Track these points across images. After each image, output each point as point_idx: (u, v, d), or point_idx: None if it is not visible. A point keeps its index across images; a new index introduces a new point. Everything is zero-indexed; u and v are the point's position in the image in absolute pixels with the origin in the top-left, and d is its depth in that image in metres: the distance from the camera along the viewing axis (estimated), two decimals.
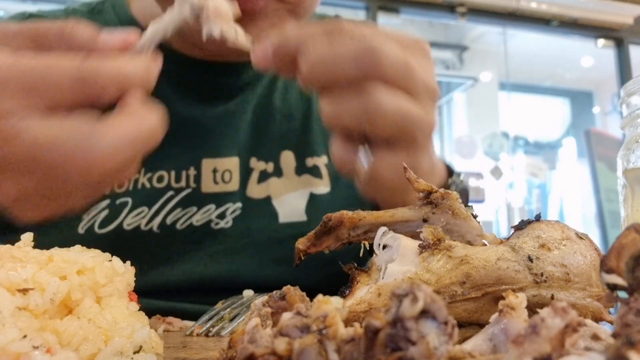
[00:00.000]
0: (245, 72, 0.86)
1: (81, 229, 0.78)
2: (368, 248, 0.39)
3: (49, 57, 0.50)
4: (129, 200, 0.79)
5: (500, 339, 0.25)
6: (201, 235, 0.81)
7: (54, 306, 0.35)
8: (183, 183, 0.81)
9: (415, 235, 0.37)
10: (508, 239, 0.37)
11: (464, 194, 0.78)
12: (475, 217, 0.38)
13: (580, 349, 0.22)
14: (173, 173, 0.81)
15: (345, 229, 0.38)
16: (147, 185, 0.80)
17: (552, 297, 0.33)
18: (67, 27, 0.54)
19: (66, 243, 0.81)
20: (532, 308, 0.29)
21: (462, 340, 0.27)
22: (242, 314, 0.58)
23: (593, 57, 5.62)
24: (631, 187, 0.51)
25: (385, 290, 0.33)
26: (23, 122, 0.47)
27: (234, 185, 0.83)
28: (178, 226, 0.80)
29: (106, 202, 0.79)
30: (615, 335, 0.23)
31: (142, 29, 0.71)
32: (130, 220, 0.79)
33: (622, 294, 0.24)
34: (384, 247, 0.36)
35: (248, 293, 0.66)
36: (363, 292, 0.34)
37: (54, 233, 0.76)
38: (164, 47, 0.83)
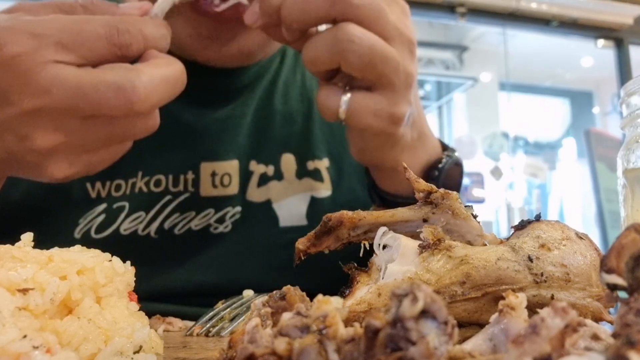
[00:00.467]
0: (244, 75, 0.85)
1: (77, 234, 0.77)
2: (368, 248, 0.39)
3: (83, 15, 0.56)
4: (126, 204, 0.78)
5: (500, 339, 0.25)
6: (200, 241, 0.80)
7: (54, 306, 0.35)
8: (181, 187, 0.80)
9: (415, 235, 0.36)
10: (508, 239, 0.37)
11: (459, 167, 0.78)
12: (475, 217, 0.38)
13: (580, 349, 0.22)
14: (171, 177, 0.80)
15: (345, 229, 0.38)
16: (145, 189, 0.79)
17: (552, 297, 0.33)
18: (88, 1, 0.59)
19: (61, 246, 0.80)
20: (532, 308, 0.29)
21: (462, 340, 0.27)
22: (242, 314, 0.58)
23: (593, 57, 5.62)
24: (631, 187, 0.51)
25: (385, 290, 0.33)
26: (64, 70, 0.51)
27: (233, 189, 0.82)
28: (176, 231, 0.79)
29: (103, 206, 0.78)
30: (615, 335, 0.23)
31: None
32: (127, 225, 0.78)
33: (622, 294, 0.24)
34: (384, 247, 0.36)
35: (248, 293, 0.66)
36: (363, 292, 0.34)
37: (50, 237, 0.76)
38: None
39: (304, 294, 0.31)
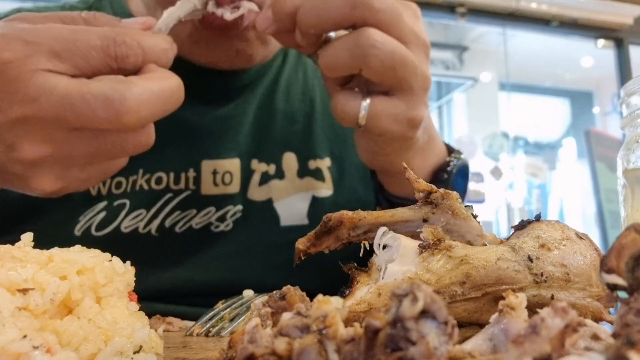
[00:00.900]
0: (246, 74, 0.85)
1: (78, 231, 0.77)
2: (368, 248, 0.39)
3: (81, 26, 0.55)
4: (127, 202, 0.78)
5: (500, 339, 0.25)
6: (201, 239, 0.80)
7: (54, 306, 0.35)
8: (182, 185, 0.80)
9: (415, 235, 0.36)
10: (508, 239, 0.37)
11: (465, 169, 0.79)
12: (475, 217, 0.38)
13: (580, 349, 0.22)
14: (172, 175, 0.80)
15: (345, 229, 0.38)
16: (145, 187, 0.79)
17: (552, 297, 0.33)
18: (91, 14, 0.57)
19: (62, 245, 0.80)
20: (532, 308, 0.29)
21: (462, 340, 0.27)
22: (242, 314, 0.58)
23: (593, 57, 5.62)
24: (631, 187, 0.51)
25: (385, 290, 0.33)
26: (53, 79, 0.50)
27: (234, 188, 0.82)
28: (177, 229, 0.79)
29: (103, 203, 0.78)
30: (615, 335, 0.23)
31: None
32: (128, 222, 0.78)
33: (622, 294, 0.24)
34: (384, 247, 0.36)
35: (248, 293, 0.66)
36: (363, 292, 0.34)
37: (50, 235, 0.76)
38: None
39: (304, 294, 0.31)
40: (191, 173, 0.81)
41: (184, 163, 0.81)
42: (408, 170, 0.38)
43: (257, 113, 0.86)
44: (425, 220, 0.37)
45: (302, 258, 0.40)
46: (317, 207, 0.85)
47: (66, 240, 0.75)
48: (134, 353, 0.38)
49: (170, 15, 0.61)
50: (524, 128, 6.17)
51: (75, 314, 0.37)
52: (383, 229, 0.36)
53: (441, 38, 5.34)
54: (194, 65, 0.81)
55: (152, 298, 0.76)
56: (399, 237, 0.35)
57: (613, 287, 0.23)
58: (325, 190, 0.86)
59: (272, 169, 0.84)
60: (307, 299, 0.31)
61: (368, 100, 0.59)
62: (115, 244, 0.77)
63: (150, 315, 0.56)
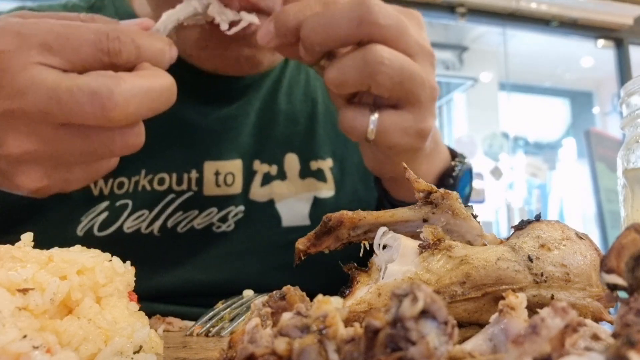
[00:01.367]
0: (249, 75, 0.85)
1: (80, 231, 0.77)
2: (368, 248, 0.39)
3: (75, 22, 0.53)
4: (129, 202, 0.78)
5: (500, 339, 0.25)
6: (202, 239, 0.80)
7: (54, 306, 0.35)
8: (185, 186, 0.80)
9: (415, 235, 0.36)
10: (508, 239, 0.37)
11: (469, 173, 0.79)
12: (475, 217, 0.38)
13: (580, 349, 0.22)
14: (175, 176, 0.80)
15: (345, 229, 0.38)
16: (148, 187, 0.79)
17: (552, 297, 0.33)
18: (89, 16, 0.57)
19: (64, 245, 0.80)
20: (532, 308, 0.29)
21: (462, 340, 0.27)
22: (242, 314, 0.58)
23: (593, 57, 5.62)
24: (631, 187, 0.51)
25: (385, 290, 0.33)
26: (43, 72, 0.49)
27: (236, 188, 0.82)
28: (179, 230, 0.79)
29: (105, 203, 0.78)
30: (615, 335, 0.23)
31: None
32: (131, 223, 0.78)
33: (622, 294, 0.24)
34: (384, 247, 0.36)
35: (248, 293, 0.66)
36: (363, 292, 0.34)
37: (52, 234, 0.76)
38: None
39: (304, 294, 0.31)
40: (193, 174, 0.81)
41: (186, 164, 0.81)
42: (408, 171, 0.38)
43: (259, 114, 0.86)
44: (425, 220, 0.37)
45: (302, 258, 0.40)
46: (319, 207, 0.85)
47: (68, 241, 0.75)
48: (134, 353, 0.38)
49: (169, 17, 0.60)
50: (524, 128, 6.17)
51: (75, 314, 0.37)
52: (383, 229, 0.36)
53: (441, 38, 5.34)
54: (198, 68, 0.81)
55: (154, 298, 0.76)
56: (399, 237, 0.35)
57: (613, 287, 0.23)
58: (327, 191, 0.86)
59: (274, 169, 0.84)
60: (307, 299, 0.31)
61: (376, 115, 0.58)
62: (117, 244, 0.77)
63: (150, 315, 0.56)
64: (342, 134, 0.90)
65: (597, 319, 0.34)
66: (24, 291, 0.34)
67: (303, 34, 0.56)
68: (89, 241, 0.77)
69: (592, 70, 5.90)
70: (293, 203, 0.84)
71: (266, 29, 0.59)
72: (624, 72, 4.65)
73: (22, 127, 0.50)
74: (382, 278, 0.34)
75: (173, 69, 0.82)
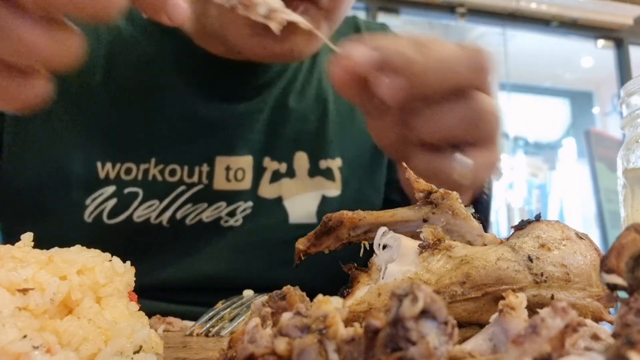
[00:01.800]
0: (265, 72, 0.86)
1: (88, 217, 0.77)
2: (368, 248, 0.39)
3: None
4: (140, 191, 0.79)
5: (500, 339, 0.25)
6: (210, 232, 0.81)
7: (54, 306, 0.35)
8: (195, 179, 0.81)
9: (415, 235, 0.36)
10: (508, 239, 0.37)
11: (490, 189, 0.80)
12: (475, 217, 0.38)
13: (580, 349, 0.22)
14: (186, 168, 0.81)
15: (345, 229, 0.38)
16: (159, 177, 0.80)
17: (552, 297, 0.33)
18: None
19: (74, 231, 0.80)
20: (532, 308, 0.29)
21: (462, 340, 0.27)
22: (242, 314, 0.58)
23: (593, 57, 5.62)
24: (631, 187, 0.51)
25: (385, 290, 0.33)
26: None
27: (246, 184, 0.83)
28: (187, 222, 0.81)
29: (112, 188, 0.78)
30: (615, 335, 0.23)
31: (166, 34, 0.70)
32: (141, 212, 0.79)
33: (622, 294, 0.24)
34: (384, 247, 0.36)
35: (248, 293, 0.66)
36: (363, 292, 0.34)
37: (59, 220, 0.76)
38: (185, 43, 0.83)
39: (304, 294, 0.31)
40: (205, 167, 0.82)
41: (198, 157, 0.82)
42: (408, 171, 0.38)
43: (271, 112, 0.87)
44: (425, 220, 0.37)
45: (302, 258, 0.40)
46: (326, 206, 0.86)
47: (77, 227, 0.76)
48: (134, 353, 0.38)
49: None
50: (524, 128, 6.16)
51: (75, 314, 0.37)
52: (383, 229, 0.36)
53: (441, 38, 5.33)
54: (216, 58, 0.82)
55: (160, 290, 0.76)
56: (399, 237, 0.35)
57: (613, 287, 0.23)
58: (334, 190, 0.87)
59: (283, 167, 0.85)
60: (307, 299, 0.31)
61: (461, 156, 0.56)
62: (126, 233, 0.78)
63: (152, 312, 0.56)
64: (351, 135, 0.91)
65: (597, 319, 0.34)
66: (24, 291, 0.34)
67: (412, 73, 0.51)
68: (99, 229, 0.77)
69: (592, 70, 5.89)
70: (301, 201, 0.85)
71: (367, 53, 0.52)
72: (624, 72, 4.66)
73: None
74: (382, 278, 0.34)
75: (190, 64, 0.82)
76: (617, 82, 4.77)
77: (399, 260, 0.34)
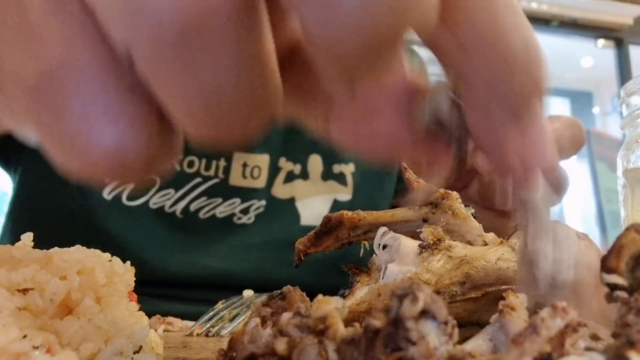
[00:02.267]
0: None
1: (108, 195, 0.78)
2: (368, 248, 0.39)
3: None
4: (157, 178, 0.79)
5: (500, 339, 0.25)
6: (222, 229, 0.82)
7: (54, 306, 0.35)
8: (212, 172, 0.82)
9: (415, 235, 0.36)
10: (508, 239, 0.37)
11: None
12: (475, 217, 0.38)
13: (580, 349, 0.22)
14: (204, 161, 0.82)
15: (345, 229, 0.38)
16: (177, 167, 0.81)
17: None
18: None
19: (92, 204, 0.80)
20: (533, 308, 0.29)
21: (462, 340, 0.27)
22: (242, 314, 0.58)
23: (593, 57, 5.61)
24: (631, 187, 0.51)
25: (385, 290, 0.33)
26: None
27: (261, 182, 0.84)
28: (201, 215, 0.81)
29: None
30: (615, 335, 0.23)
31: None
32: (157, 199, 0.80)
33: (622, 294, 0.24)
34: (384, 247, 0.36)
35: (248, 293, 0.66)
36: (363, 292, 0.34)
37: (78, 191, 0.77)
38: None
39: (304, 294, 0.31)
40: (222, 162, 0.83)
41: (216, 151, 0.82)
42: (408, 171, 0.38)
43: None
44: (425, 220, 0.37)
45: (302, 258, 0.40)
46: (337, 209, 0.86)
47: (96, 204, 0.76)
48: (134, 353, 0.38)
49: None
50: None
51: (75, 314, 0.37)
52: (383, 229, 0.36)
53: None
54: None
55: (168, 283, 0.77)
56: (399, 237, 0.35)
57: (613, 287, 0.23)
58: (346, 194, 0.88)
59: (297, 168, 0.87)
60: (307, 299, 0.31)
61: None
62: (141, 217, 0.79)
63: (151, 313, 0.56)
64: None
65: None
66: (24, 291, 0.34)
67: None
68: (116, 207, 0.78)
69: (592, 70, 5.89)
70: (313, 203, 0.86)
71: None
72: (624, 72, 4.65)
73: None
74: (382, 278, 0.34)
75: None
76: (617, 82, 4.77)
77: (399, 260, 0.34)
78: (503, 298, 0.26)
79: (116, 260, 0.42)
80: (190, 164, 0.81)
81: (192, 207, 0.81)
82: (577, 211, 5.80)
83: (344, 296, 0.36)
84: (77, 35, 0.19)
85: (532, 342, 0.20)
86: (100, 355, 0.36)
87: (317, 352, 0.22)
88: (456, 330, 0.21)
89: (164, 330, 0.59)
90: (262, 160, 0.84)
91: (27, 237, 0.39)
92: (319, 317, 0.23)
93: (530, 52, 0.24)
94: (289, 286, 0.32)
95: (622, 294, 0.23)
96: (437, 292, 0.32)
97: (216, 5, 0.16)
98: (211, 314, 0.59)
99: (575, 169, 5.79)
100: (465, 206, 0.38)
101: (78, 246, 0.42)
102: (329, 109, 0.25)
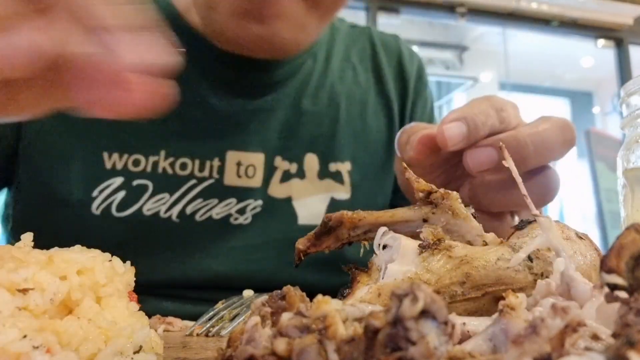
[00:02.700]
0: (278, 70, 0.87)
1: (96, 210, 0.77)
2: (368, 248, 0.39)
3: None
4: (150, 184, 0.79)
5: (500, 339, 0.25)
6: (220, 230, 0.81)
7: (54, 306, 0.35)
8: (206, 173, 0.81)
9: (415, 235, 0.36)
10: (508, 239, 0.37)
11: None
12: (475, 217, 0.38)
13: (580, 349, 0.22)
14: (197, 162, 0.81)
15: (345, 229, 0.38)
16: (170, 171, 0.80)
17: None
18: None
19: (83, 224, 0.79)
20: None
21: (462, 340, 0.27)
22: (242, 314, 0.58)
23: (593, 57, 5.62)
24: (631, 187, 0.50)
25: (385, 290, 0.33)
26: None
27: (256, 182, 0.83)
28: (197, 217, 0.81)
29: (120, 179, 0.78)
30: (615, 335, 0.23)
31: (182, 22, 0.75)
32: (151, 205, 0.79)
33: (622, 294, 0.24)
34: (384, 247, 0.36)
35: (248, 293, 0.66)
36: (363, 292, 0.34)
37: (69, 213, 0.76)
38: (200, 41, 0.83)
39: (304, 294, 0.31)
40: (216, 162, 0.82)
41: (209, 151, 0.82)
42: (408, 171, 0.38)
43: (286, 112, 0.87)
44: (425, 220, 0.37)
45: (302, 258, 0.40)
46: (334, 208, 0.86)
47: (87, 220, 0.75)
48: (134, 353, 0.38)
49: None
50: None
51: (75, 314, 0.37)
52: (383, 229, 0.36)
53: (441, 38, 5.34)
54: (230, 54, 0.82)
55: (165, 286, 0.77)
56: (399, 237, 0.35)
57: (613, 287, 0.23)
58: (344, 193, 0.88)
59: (294, 167, 0.86)
60: (307, 299, 0.31)
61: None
62: (136, 226, 0.78)
63: (154, 311, 0.56)
64: (362, 139, 0.92)
65: None
66: (24, 291, 0.34)
67: (515, 145, 0.53)
68: (107, 221, 0.77)
69: (592, 70, 5.89)
70: (310, 202, 0.86)
71: (459, 129, 0.53)
72: (624, 72, 4.65)
73: None
74: (382, 278, 0.34)
75: (205, 59, 0.82)
76: (617, 82, 4.77)
77: (399, 260, 0.34)
78: (503, 298, 0.26)
79: (116, 260, 0.42)
80: (183, 166, 0.81)
81: (188, 210, 0.80)
82: (577, 211, 5.80)
83: (344, 296, 0.36)
84: None
85: (532, 342, 0.20)
86: (100, 355, 0.36)
87: (317, 352, 0.22)
88: (456, 330, 0.21)
89: (164, 330, 0.59)
90: (257, 158, 0.84)
91: (27, 237, 0.39)
92: (318, 317, 0.23)
93: None
94: (289, 286, 0.32)
95: (622, 294, 0.23)
96: (437, 292, 0.32)
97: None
98: (211, 314, 0.59)
99: (575, 168, 5.80)
100: (465, 206, 0.38)
101: (78, 246, 0.42)
102: None
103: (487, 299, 0.33)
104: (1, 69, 0.32)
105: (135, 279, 0.43)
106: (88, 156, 0.78)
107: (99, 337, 0.36)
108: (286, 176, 0.85)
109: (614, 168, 2.46)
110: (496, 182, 0.56)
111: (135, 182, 0.78)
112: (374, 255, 0.37)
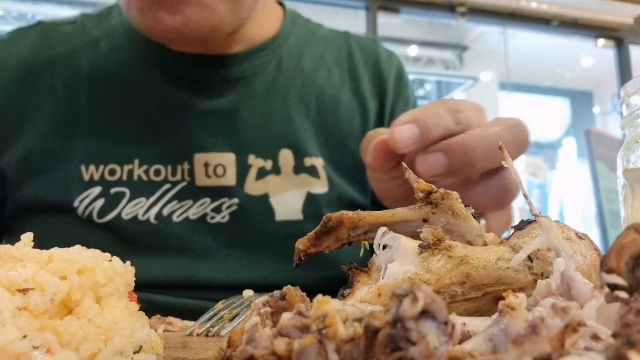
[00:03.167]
0: (235, 66, 0.87)
1: (78, 218, 0.80)
2: (368, 248, 0.39)
3: None
4: (127, 191, 0.81)
5: (500, 339, 0.25)
6: (197, 230, 0.82)
7: (54, 306, 0.35)
8: (179, 176, 0.83)
9: (415, 235, 0.36)
10: (508, 239, 0.37)
11: None
12: (475, 217, 0.38)
13: (580, 349, 0.22)
14: (170, 167, 0.83)
15: (345, 229, 0.38)
16: (145, 177, 0.82)
17: None
18: None
19: (67, 231, 0.82)
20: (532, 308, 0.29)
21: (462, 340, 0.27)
22: (242, 314, 0.58)
23: (593, 57, 5.61)
24: (631, 187, 0.50)
25: (385, 290, 0.33)
26: None
27: (229, 180, 0.84)
28: (174, 218, 0.82)
29: (98, 189, 0.81)
30: (615, 335, 0.23)
31: (143, 36, 0.73)
32: (129, 210, 0.81)
33: (622, 294, 0.24)
34: (384, 247, 0.36)
35: (248, 293, 0.66)
36: (363, 292, 0.34)
37: (52, 223, 0.79)
38: (156, 44, 0.85)
39: (304, 294, 0.31)
40: (185, 165, 0.84)
41: (178, 155, 0.84)
42: (408, 171, 0.38)
43: (254, 112, 0.88)
44: (425, 220, 0.37)
45: (302, 258, 0.40)
46: (311, 203, 0.87)
47: (71, 227, 0.78)
48: (134, 353, 0.38)
49: None
50: None
51: (75, 314, 0.37)
52: (383, 229, 0.36)
53: (441, 38, 5.34)
54: (180, 53, 0.85)
55: (151, 286, 0.77)
56: (399, 237, 0.35)
57: (613, 287, 0.23)
58: (320, 187, 0.88)
59: (269, 164, 0.87)
60: (307, 299, 0.31)
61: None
62: (116, 231, 0.81)
63: (148, 309, 0.56)
64: (333, 137, 0.93)
65: None
66: (24, 291, 0.34)
67: (464, 157, 0.54)
68: (90, 227, 0.80)
69: (592, 70, 5.89)
70: (287, 198, 0.86)
71: (410, 132, 0.54)
72: (624, 72, 4.65)
73: None
74: (382, 278, 0.34)
75: (163, 58, 0.84)
76: (617, 81, 4.77)
77: (399, 260, 0.34)
78: (503, 298, 0.26)
79: (116, 260, 0.42)
80: (157, 172, 0.83)
81: (165, 211, 0.82)
82: (577, 211, 5.80)
83: (344, 296, 0.36)
84: None
85: (532, 342, 0.20)
86: (100, 355, 0.36)
87: (317, 353, 0.22)
88: (456, 330, 0.21)
89: (164, 330, 0.59)
90: (226, 158, 0.84)
91: (27, 237, 0.39)
92: (318, 317, 0.23)
93: None
94: (289, 286, 0.32)
95: (622, 294, 0.23)
96: (437, 292, 0.32)
97: None
98: (211, 313, 0.58)
99: (575, 168, 5.80)
100: (465, 206, 0.38)
101: (78, 246, 0.42)
102: None
103: (487, 299, 0.33)
104: None
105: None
106: (67, 170, 0.82)
107: (99, 337, 0.36)
108: (262, 173, 0.86)
109: (614, 168, 2.46)
110: (449, 186, 0.56)
111: (112, 190, 0.81)
112: (374, 255, 0.37)
